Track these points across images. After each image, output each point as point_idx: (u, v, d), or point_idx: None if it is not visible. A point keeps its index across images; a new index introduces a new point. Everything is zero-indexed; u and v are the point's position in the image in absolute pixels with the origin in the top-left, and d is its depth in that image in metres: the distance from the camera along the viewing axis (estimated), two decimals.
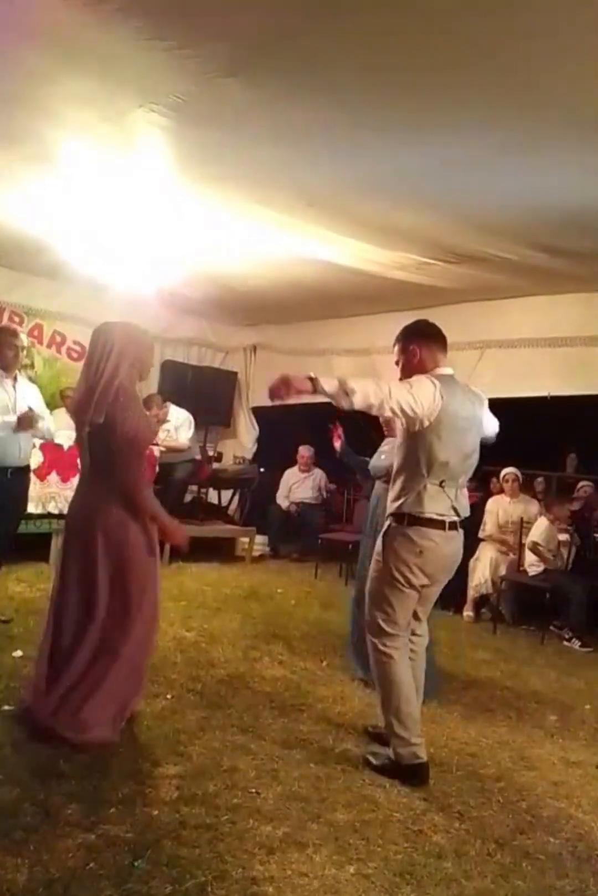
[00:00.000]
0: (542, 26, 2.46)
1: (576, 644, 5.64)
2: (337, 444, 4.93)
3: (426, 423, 2.90)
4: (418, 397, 2.84)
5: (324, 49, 2.72)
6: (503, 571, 6.24)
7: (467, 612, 6.28)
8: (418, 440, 2.96)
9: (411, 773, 2.95)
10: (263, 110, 3.26)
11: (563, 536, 6.23)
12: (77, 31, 2.78)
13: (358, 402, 2.73)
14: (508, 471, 6.65)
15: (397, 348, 3.19)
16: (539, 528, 6.13)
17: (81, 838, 2.29)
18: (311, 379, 2.71)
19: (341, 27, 2.57)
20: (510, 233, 4.47)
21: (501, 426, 3.40)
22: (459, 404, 3.00)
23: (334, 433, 4.93)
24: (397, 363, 3.18)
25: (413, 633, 3.21)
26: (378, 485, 4.19)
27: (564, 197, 3.87)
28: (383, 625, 3.05)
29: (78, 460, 3.25)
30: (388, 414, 2.90)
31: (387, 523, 3.10)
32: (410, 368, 3.09)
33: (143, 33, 2.72)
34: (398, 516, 3.03)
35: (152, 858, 2.22)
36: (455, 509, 3.03)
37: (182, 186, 4.32)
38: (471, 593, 6.29)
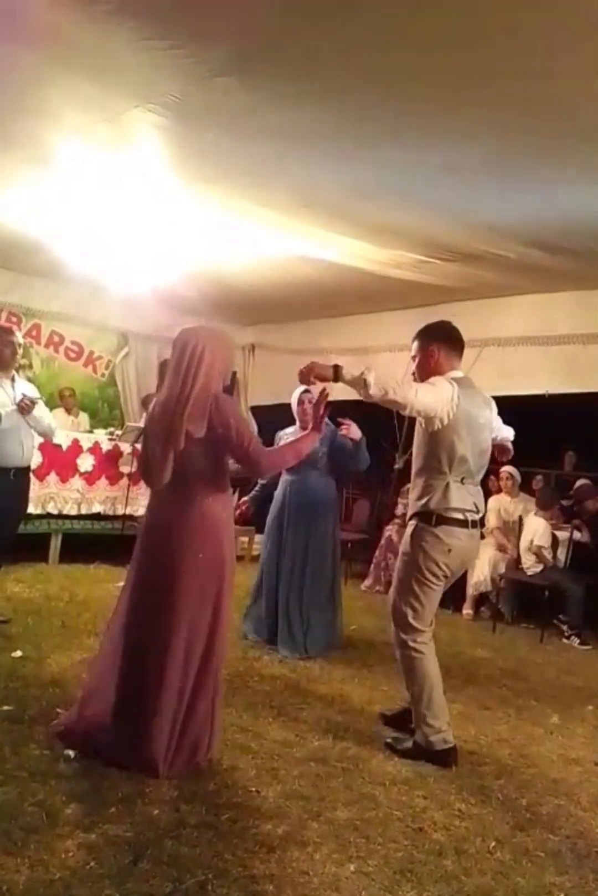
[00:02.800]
0: (542, 35, 2.47)
1: (575, 641, 5.66)
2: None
3: (445, 422, 3.05)
4: (439, 399, 3.00)
5: (321, 50, 2.72)
6: (502, 569, 6.24)
7: (467, 610, 6.30)
8: (438, 438, 3.10)
9: (443, 757, 3.10)
10: (259, 110, 3.25)
11: (562, 534, 6.23)
12: (71, 32, 2.78)
13: (375, 394, 2.87)
14: (504, 470, 6.62)
15: (416, 344, 3.29)
16: (539, 530, 6.10)
17: (81, 838, 2.29)
18: (335, 367, 2.86)
19: (339, 29, 2.56)
20: (509, 232, 4.45)
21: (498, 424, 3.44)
22: (473, 404, 3.15)
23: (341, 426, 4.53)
24: (413, 358, 3.29)
25: None
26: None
27: (563, 199, 3.86)
28: (411, 620, 3.16)
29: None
30: (412, 414, 3.04)
31: (413, 523, 3.20)
32: (426, 368, 3.22)
33: (137, 34, 2.71)
34: (425, 515, 3.14)
35: (153, 857, 2.22)
36: (476, 505, 3.18)
37: (179, 186, 4.31)
38: (470, 591, 6.30)
